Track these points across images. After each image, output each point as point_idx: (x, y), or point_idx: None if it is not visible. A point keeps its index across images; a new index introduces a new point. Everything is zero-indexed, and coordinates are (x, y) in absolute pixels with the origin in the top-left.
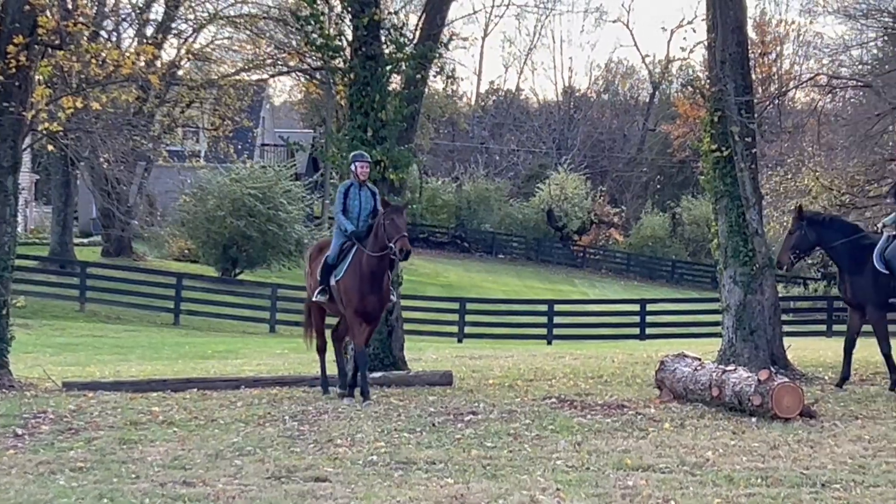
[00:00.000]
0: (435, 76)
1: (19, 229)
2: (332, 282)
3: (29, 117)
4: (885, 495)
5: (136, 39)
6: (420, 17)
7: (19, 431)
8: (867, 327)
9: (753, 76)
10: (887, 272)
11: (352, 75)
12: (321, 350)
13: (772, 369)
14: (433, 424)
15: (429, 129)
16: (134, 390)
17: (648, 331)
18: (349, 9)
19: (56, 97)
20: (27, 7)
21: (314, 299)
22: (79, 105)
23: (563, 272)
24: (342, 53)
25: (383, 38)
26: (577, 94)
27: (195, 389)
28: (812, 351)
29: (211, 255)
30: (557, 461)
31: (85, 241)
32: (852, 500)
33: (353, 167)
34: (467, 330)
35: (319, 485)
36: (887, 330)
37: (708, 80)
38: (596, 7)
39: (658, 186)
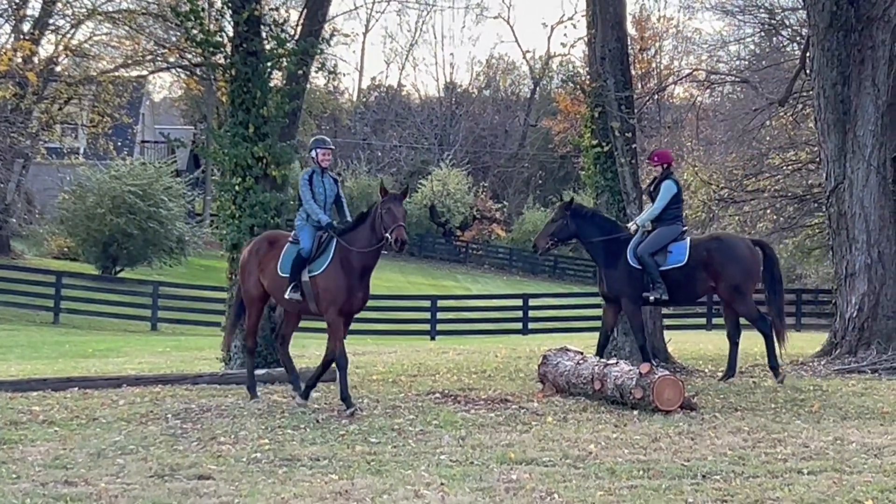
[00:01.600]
0: (317, 72)
1: None
2: (306, 277)
3: None
4: (763, 486)
5: (13, 35)
6: (301, 14)
7: None
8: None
9: (633, 72)
10: (640, 267)
11: (233, 71)
12: (252, 352)
13: (653, 362)
14: (317, 421)
15: (311, 125)
16: (13, 390)
17: (531, 325)
18: (229, 4)
19: None
20: None
21: (287, 297)
22: None
23: (446, 267)
24: (223, 49)
25: (264, 34)
26: (459, 89)
27: (76, 388)
28: (692, 344)
29: (91, 252)
30: (441, 456)
31: None
32: (732, 490)
33: (314, 154)
34: (350, 326)
35: (203, 483)
36: (642, 322)
37: (588, 76)
38: (477, 3)
39: (540, 182)
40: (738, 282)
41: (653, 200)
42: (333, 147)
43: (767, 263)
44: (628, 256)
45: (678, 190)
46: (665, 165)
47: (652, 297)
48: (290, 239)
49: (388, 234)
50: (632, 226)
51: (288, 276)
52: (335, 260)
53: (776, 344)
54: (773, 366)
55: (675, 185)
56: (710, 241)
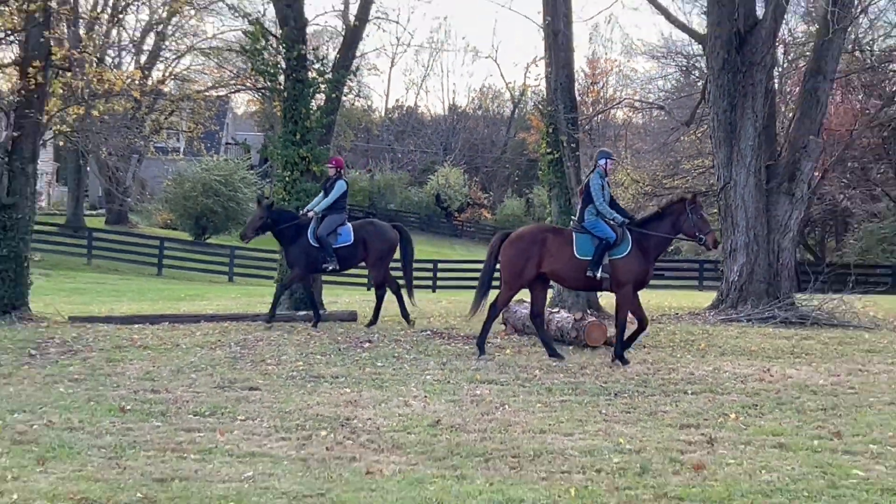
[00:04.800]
0: (346, 95)
1: (43, 204)
2: (606, 260)
3: (45, 121)
4: (658, 402)
5: (134, 63)
6: (337, 51)
7: (32, 352)
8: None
9: (587, 98)
10: (317, 245)
11: (285, 94)
12: (540, 316)
13: (587, 311)
14: (339, 349)
15: (349, 133)
16: (121, 323)
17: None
18: (284, 45)
19: (65, 106)
20: (42, 39)
21: (598, 276)
22: (81, 112)
23: (447, 241)
24: (278, 77)
25: (309, 67)
26: (459, 110)
27: (167, 322)
28: (659, 299)
29: (186, 224)
30: (427, 376)
31: (93, 212)
32: (634, 405)
33: (603, 162)
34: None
35: (252, 392)
36: (303, 280)
37: (545, 102)
38: (473, 47)
39: (516, 178)
40: (382, 255)
41: (327, 194)
42: (616, 159)
43: (402, 242)
44: (309, 237)
45: (347, 188)
46: (338, 169)
47: (329, 268)
48: (575, 229)
49: (703, 236)
50: (310, 213)
51: (590, 258)
52: (634, 247)
53: (405, 300)
54: (405, 315)
55: (346, 184)
56: (367, 225)
